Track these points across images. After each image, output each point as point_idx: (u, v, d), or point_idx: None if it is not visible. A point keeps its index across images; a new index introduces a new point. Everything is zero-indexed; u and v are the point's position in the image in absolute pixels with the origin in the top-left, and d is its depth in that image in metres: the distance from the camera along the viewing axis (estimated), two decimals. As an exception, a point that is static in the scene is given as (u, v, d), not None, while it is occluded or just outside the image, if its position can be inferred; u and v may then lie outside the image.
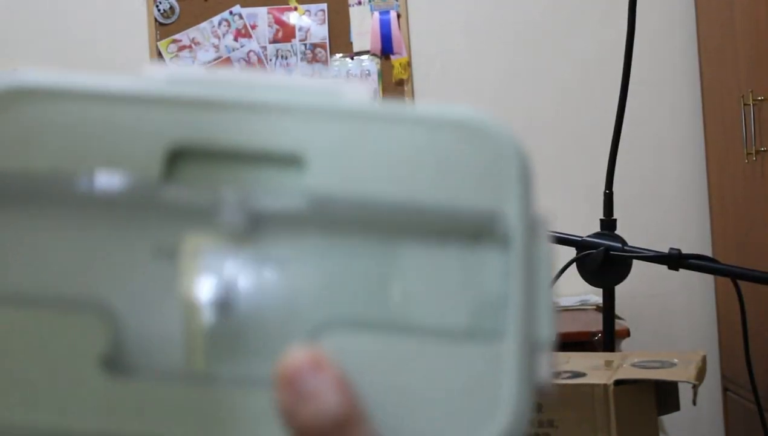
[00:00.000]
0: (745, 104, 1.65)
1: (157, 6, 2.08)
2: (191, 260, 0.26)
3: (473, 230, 0.26)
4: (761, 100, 1.60)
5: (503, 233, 0.26)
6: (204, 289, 0.26)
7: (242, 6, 2.09)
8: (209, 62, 2.09)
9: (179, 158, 0.26)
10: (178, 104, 0.26)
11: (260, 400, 0.24)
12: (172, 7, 2.08)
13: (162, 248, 0.26)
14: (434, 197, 0.26)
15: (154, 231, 0.26)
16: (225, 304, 0.25)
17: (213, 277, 0.26)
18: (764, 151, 1.59)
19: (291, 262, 0.26)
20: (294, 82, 0.27)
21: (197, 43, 2.09)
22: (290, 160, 0.26)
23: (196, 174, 0.26)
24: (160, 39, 2.09)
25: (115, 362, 0.25)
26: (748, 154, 1.64)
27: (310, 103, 0.27)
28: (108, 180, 0.26)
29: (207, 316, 0.25)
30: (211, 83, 0.27)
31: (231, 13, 2.08)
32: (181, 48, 2.10)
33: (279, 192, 0.26)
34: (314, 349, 0.24)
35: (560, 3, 2.00)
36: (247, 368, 0.25)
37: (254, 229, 0.26)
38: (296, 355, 0.24)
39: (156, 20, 2.09)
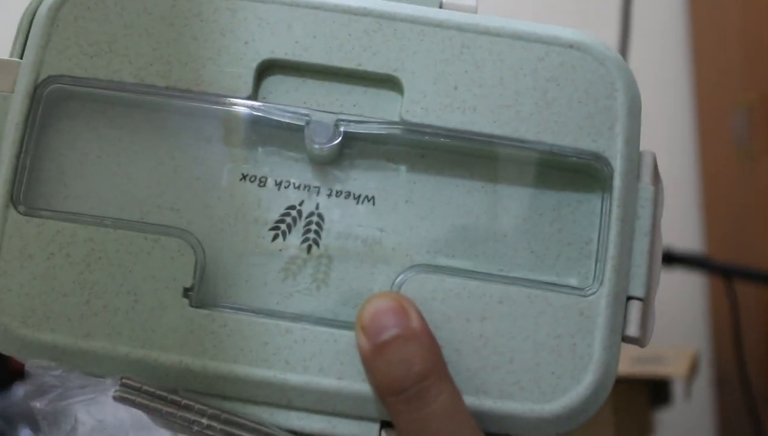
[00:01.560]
0: (738, 104, 1.66)
1: None
2: (278, 187, 0.24)
3: (573, 170, 0.23)
4: (754, 100, 1.61)
5: (604, 175, 0.23)
6: (289, 220, 0.24)
7: None
8: None
9: (269, 72, 0.24)
10: (268, 2, 0.24)
11: (342, 340, 0.23)
12: None
13: (249, 173, 0.24)
14: (535, 129, 0.23)
15: (242, 153, 0.24)
16: (309, 238, 0.24)
17: (299, 208, 0.24)
18: (757, 151, 1.60)
19: (380, 196, 0.24)
20: None
21: None
22: (385, 82, 0.24)
23: (285, 90, 0.24)
24: None
25: (198, 293, 0.23)
26: (741, 153, 1.65)
27: (410, 13, 0.24)
28: (196, 94, 0.24)
29: (291, 250, 0.24)
30: None
31: None
32: None
33: (372, 116, 0.24)
34: (398, 295, 0.22)
35: (553, 8, 2.00)
36: (329, 307, 0.24)
37: (344, 155, 0.24)
38: (379, 301, 0.22)
39: None
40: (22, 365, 0.23)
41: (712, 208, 1.86)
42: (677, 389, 0.70)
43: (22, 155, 0.23)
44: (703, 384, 1.66)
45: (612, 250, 0.23)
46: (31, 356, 0.23)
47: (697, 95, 2.04)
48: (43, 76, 0.24)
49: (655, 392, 0.68)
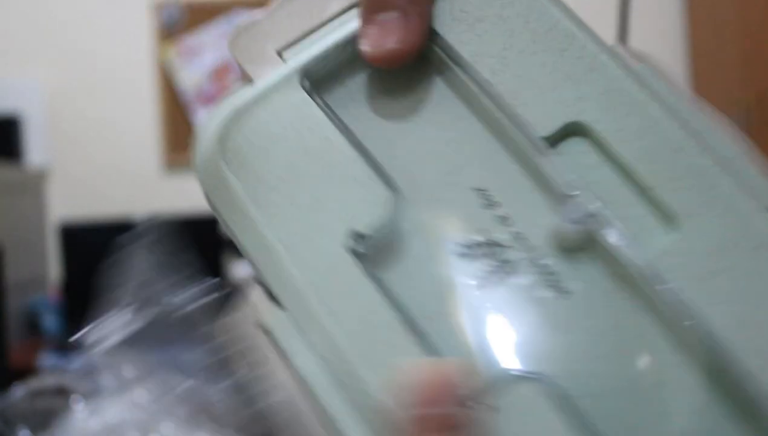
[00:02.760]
0: (736, 104, 1.67)
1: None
2: (502, 220, 0.23)
3: (756, 418, 0.22)
4: (752, 100, 1.62)
5: None
6: (486, 251, 0.23)
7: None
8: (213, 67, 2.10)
9: (578, 132, 0.23)
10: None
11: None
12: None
13: (488, 190, 0.24)
14: (752, 364, 0.21)
15: (496, 172, 0.24)
16: (488, 277, 0.23)
17: (502, 248, 0.23)
18: (755, 150, 1.60)
19: (577, 300, 0.22)
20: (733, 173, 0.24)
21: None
22: (670, 218, 0.22)
23: (579, 153, 0.23)
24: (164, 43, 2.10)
25: (360, 244, 0.23)
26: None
27: (728, 185, 0.23)
28: (508, 110, 0.24)
29: (465, 272, 0.23)
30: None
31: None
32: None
33: (636, 235, 0.23)
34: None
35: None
36: (440, 346, 0.22)
37: (583, 246, 0.23)
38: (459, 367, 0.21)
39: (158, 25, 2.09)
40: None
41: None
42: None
43: (344, 65, 0.25)
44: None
45: None
46: (209, 189, 0.24)
47: (695, 95, 2.03)
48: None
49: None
